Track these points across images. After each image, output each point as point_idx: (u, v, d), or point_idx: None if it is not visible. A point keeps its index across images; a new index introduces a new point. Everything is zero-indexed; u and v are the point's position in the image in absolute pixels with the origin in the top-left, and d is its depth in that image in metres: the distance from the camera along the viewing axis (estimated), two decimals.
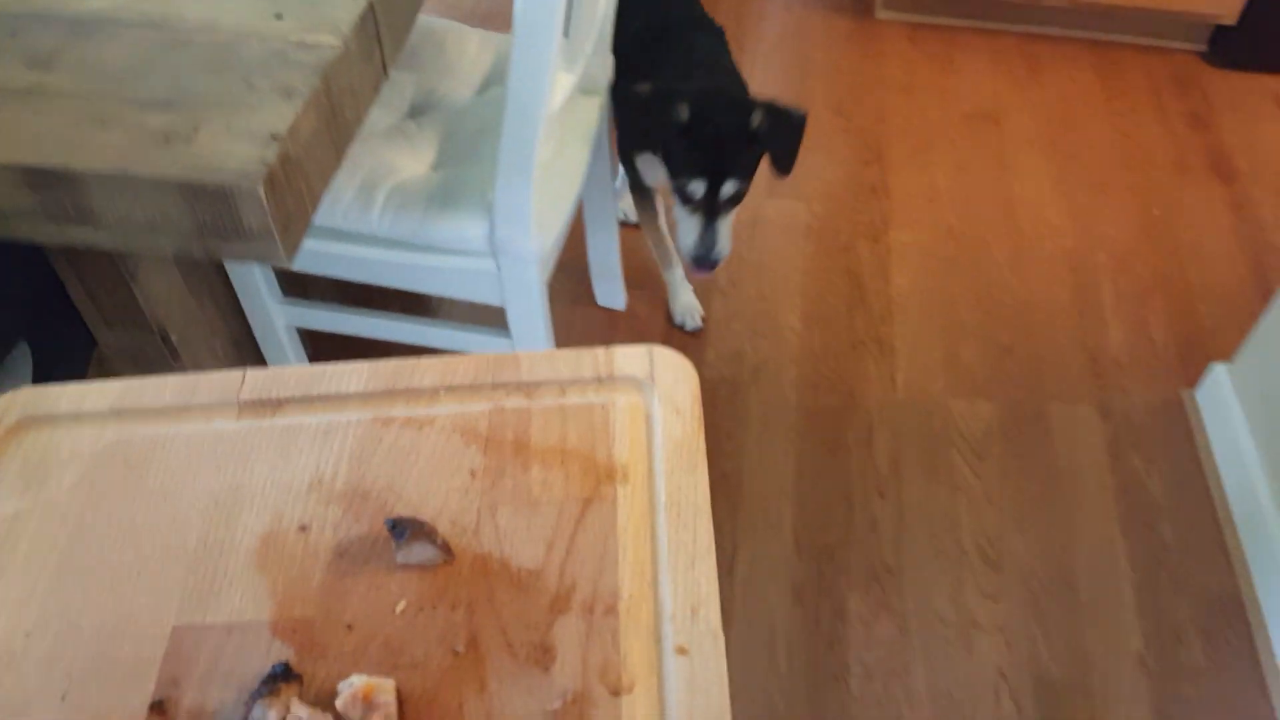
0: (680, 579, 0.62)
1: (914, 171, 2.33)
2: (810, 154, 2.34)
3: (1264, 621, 1.56)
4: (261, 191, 0.85)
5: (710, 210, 1.61)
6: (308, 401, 0.73)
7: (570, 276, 2.04)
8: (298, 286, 1.63)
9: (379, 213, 1.31)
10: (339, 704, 0.57)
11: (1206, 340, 1.97)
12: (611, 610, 0.61)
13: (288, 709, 0.57)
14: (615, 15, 1.55)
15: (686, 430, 0.69)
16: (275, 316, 1.53)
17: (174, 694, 0.60)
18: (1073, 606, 1.59)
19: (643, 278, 2.05)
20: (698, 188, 1.58)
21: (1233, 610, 1.59)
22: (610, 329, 1.99)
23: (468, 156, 1.40)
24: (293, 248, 0.92)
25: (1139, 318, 2.03)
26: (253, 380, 0.74)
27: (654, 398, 0.71)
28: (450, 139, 1.44)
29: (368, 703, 0.57)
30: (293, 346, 1.58)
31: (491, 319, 1.49)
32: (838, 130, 2.42)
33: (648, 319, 2.01)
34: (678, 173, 1.60)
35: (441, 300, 1.98)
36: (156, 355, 1.45)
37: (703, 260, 1.66)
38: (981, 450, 1.80)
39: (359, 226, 1.32)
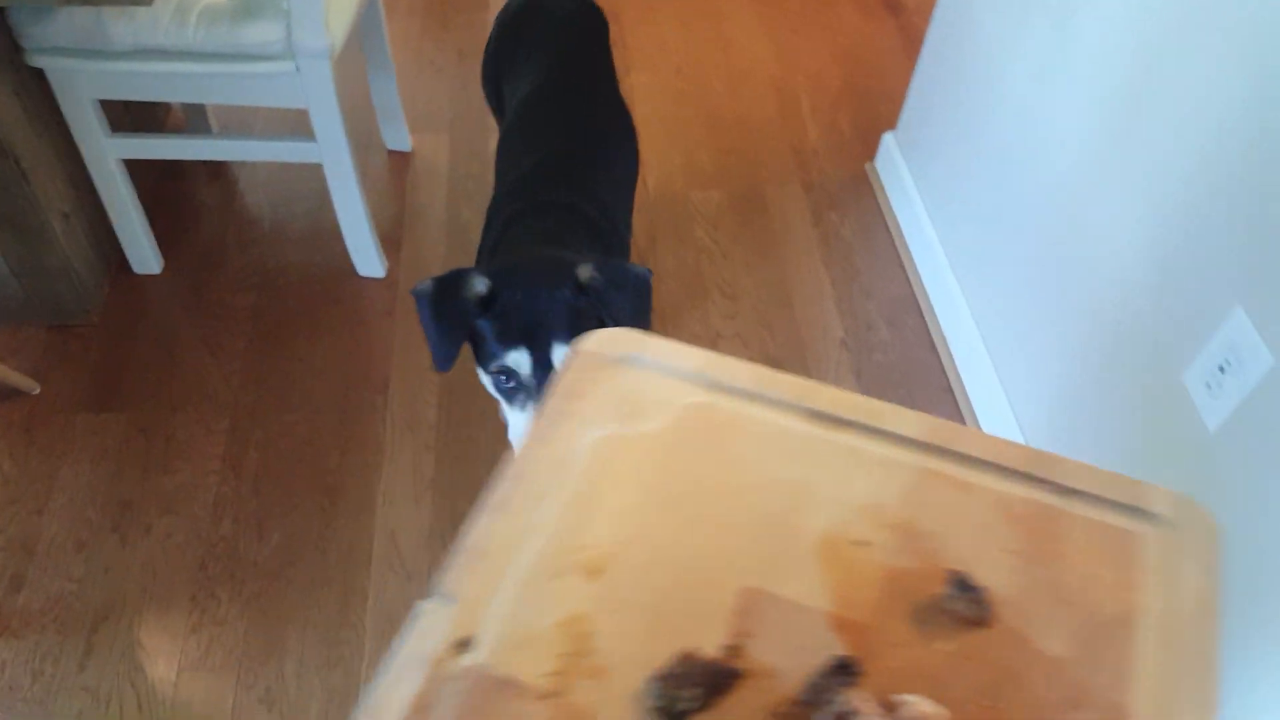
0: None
1: (646, 29, 2.76)
2: None
3: (932, 308, 2.06)
4: None
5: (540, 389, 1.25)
6: (869, 431, 0.78)
7: (359, 125, 2.35)
8: (123, 127, 1.89)
9: (193, 29, 1.60)
10: (905, 716, 0.59)
11: (883, 127, 2.47)
12: None
13: (858, 704, 0.59)
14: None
15: (1205, 583, 0.71)
16: (106, 150, 1.78)
17: (746, 645, 0.64)
18: (790, 317, 2.05)
19: (424, 122, 2.39)
20: (521, 360, 1.25)
21: (909, 305, 2.09)
22: (401, 170, 2.32)
23: None
24: None
25: (831, 119, 2.52)
26: (822, 395, 0.80)
27: (1180, 541, 0.74)
28: None
29: None
30: (123, 180, 1.84)
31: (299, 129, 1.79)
32: None
33: (433, 158, 2.34)
34: (491, 354, 1.26)
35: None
36: (12, 179, 1.69)
37: None
38: (716, 223, 2.24)
39: (177, 42, 1.60)
